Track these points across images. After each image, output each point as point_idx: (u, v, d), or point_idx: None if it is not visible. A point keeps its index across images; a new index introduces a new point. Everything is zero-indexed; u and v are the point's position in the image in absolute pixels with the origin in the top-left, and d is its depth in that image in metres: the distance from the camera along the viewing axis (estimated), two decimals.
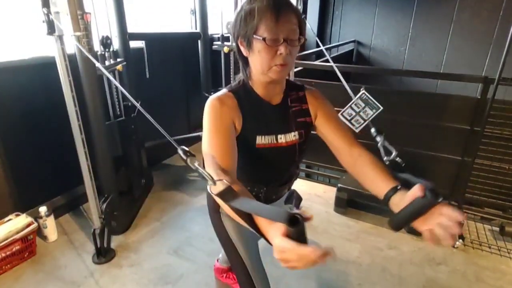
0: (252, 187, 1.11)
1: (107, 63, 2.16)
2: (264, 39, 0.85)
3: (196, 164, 0.78)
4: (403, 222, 0.75)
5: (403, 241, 2.26)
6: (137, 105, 1.07)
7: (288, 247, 0.55)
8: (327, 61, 4.14)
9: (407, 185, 0.80)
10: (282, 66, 0.89)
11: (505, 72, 2.06)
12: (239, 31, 0.91)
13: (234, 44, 0.96)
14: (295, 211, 0.57)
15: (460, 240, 2.19)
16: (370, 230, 2.38)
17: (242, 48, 0.93)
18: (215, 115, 0.93)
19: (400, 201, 0.77)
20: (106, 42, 2.21)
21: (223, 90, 1.00)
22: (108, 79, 2.29)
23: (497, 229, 2.33)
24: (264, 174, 1.10)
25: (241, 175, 1.09)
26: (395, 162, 0.98)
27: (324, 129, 1.06)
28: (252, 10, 0.86)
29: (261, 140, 0.99)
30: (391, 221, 0.78)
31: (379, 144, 1.07)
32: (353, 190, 2.47)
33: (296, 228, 0.56)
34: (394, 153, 1.00)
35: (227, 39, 3.16)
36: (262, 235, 0.65)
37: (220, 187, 0.71)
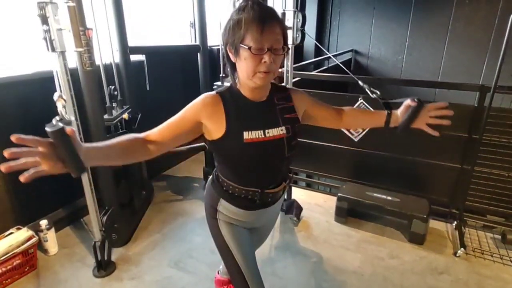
0: (247, 191, 1.13)
1: (114, 112, 2.28)
2: (249, 48, 0.92)
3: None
4: (406, 124, 1.14)
5: (404, 250, 2.25)
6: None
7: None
8: (325, 71, 4.19)
9: (395, 107, 1.18)
10: (266, 73, 0.96)
11: (502, 80, 2.09)
12: (227, 39, 0.98)
13: (223, 50, 1.04)
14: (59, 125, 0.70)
15: (462, 249, 2.18)
16: (370, 239, 2.37)
17: (230, 55, 1.00)
18: (189, 106, 1.03)
19: (397, 117, 1.17)
20: (112, 94, 2.33)
21: (212, 92, 1.07)
22: (109, 92, 2.32)
23: (499, 237, 2.32)
24: (256, 173, 1.12)
25: (236, 178, 1.13)
26: (380, 97, 1.30)
27: (313, 112, 1.21)
28: (240, 20, 0.93)
29: (248, 135, 1.03)
30: (399, 128, 1.16)
31: (366, 89, 1.50)
32: (353, 199, 2.48)
33: (53, 133, 0.70)
34: (378, 93, 1.39)
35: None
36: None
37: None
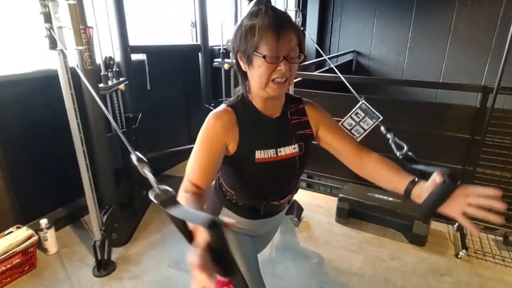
0: (252, 202, 1.10)
1: (110, 82, 2.20)
2: (264, 56, 0.86)
3: (145, 171, 0.79)
4: (429, 210, 0.79)
5: (405, 252, 2.24)
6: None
7: (195, 260, 0.56)
8: (327, 71, 4.18)
9: (423, 176, 0.85)
10: (280, 84, 0.90)
11: (504, 81, 2.08)
12: (239, 47, 0.91)
13: (233, 58, 0.97)
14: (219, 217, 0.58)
15: (464, 250, 2.17)
16: (372, 241, 2.36)
17: (241, 63, 0.94)
18: (207, 133, 0.95)
19: (422, 192, 0.82)
20: (108, 63, 2.26)
21: (222, 105, 1.00)
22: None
23: (501, 238, 2.31)
24: (264, 189, 1.09)
25: (242, 191, 1.09)
26: (408, 156, 1.01)
27: (330, 139, 1.07)
28: (253, 27, 0.86)
29: (260, 154, 0.99)
30: (418, 212, 0.82)
31: (390, 141, 1.10)
32: (354, 200, 2.47)
33: (214, 231, 0.56)
34: (405, 148, 1.03)
35: (227, 54, 3.18)
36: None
37: (163, 196, 0.72)
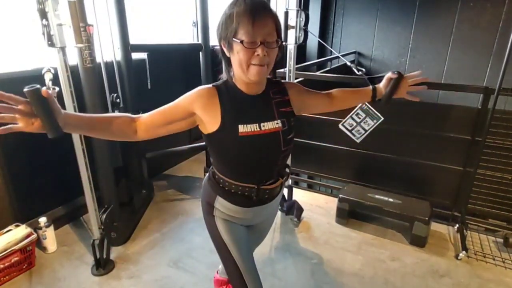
0: (243, 187, 1.13)
1: None
2: (242, 41, 0.92)
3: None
4: (389, 95, 1.26)
5: (405, 253, 2.23)
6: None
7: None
8: (328, 72, 4.18)
9: (379, 82, 1.30)
10: (259, 66, 0.95)
11: (506, 82, 2.07)
12: (221, 34, 0.99)
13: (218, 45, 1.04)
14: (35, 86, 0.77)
15: (464, 252, 2.16)
16: (372, 241, 2.35)
17: (224, 49, 1.00)
18: (185, 97, 1.04)
19: (381, 89, 1.29)
20: (114, 101, 2.29)
21: (207, 85, 1.06)
22: (110, 89, 2.30)
23: (501, 240, 2.30)
24: (252, 167, 1.11)
25: (232, 173, 1.12)
26: (366, 74, 1.50)
27: (307, 102, 1.22)
28: (232, 14, 0.93)
29: (243, 128, 1.02)
30: (381, 99, 1.28)
31: (353, 67, 1.73)
32: (354, 200, 2.46)
33: (30, 93, 0.77)
34: (363, 70, 1.52)
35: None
36: None
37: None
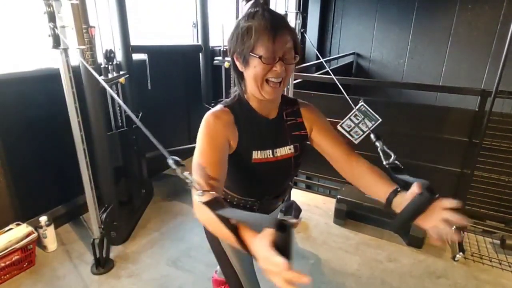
0: (246, 200, 1.12)
1: (110, 76, 2.19)
2: (260, 57, 0.87)
3: (186, 173, 0.79)
4: (404, 221, 0.78)
5: (402, 254, 2.25)
6: (134, 117, 1.08)
7: (267, 255, 0.56)
8: (326, 73, 4.19)
9: (407, 187, 0.82)
10: (274, 86, 0.91)
11: (503, 84, 2.09)
12: (235, 47, 0.92)
13: (229, 58, 0.98)
14: (283, 217, 0.59)
15: (461, 253, 2.18)
16: (369, 242, 2.37)
17: (237, 64, 0.95)
18: (209, 132, 0.94)
19: (402, 203, 0.80)
20: (109, 56, 2.25)
21: (219, 106, 1.01)
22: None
23: (498, 242, 2.32)
24: (259, 188, 1.10)
25: (236, 190, 1.10)
26: (395, 165, 1.00)
27: (322, 141, 1.08)
28: (249, 28, 0.88)
29: (257, 155, 1.00)
30: (392, 223, 0.81)
31: (378, 149, 1.08)
32: (352, 201, 2.48)
33: (283, 234, 0.56)
34: (393, 156, 1.02)
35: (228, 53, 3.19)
36: (246, 248, 0.66)
37: (208, 197, 0.73)
